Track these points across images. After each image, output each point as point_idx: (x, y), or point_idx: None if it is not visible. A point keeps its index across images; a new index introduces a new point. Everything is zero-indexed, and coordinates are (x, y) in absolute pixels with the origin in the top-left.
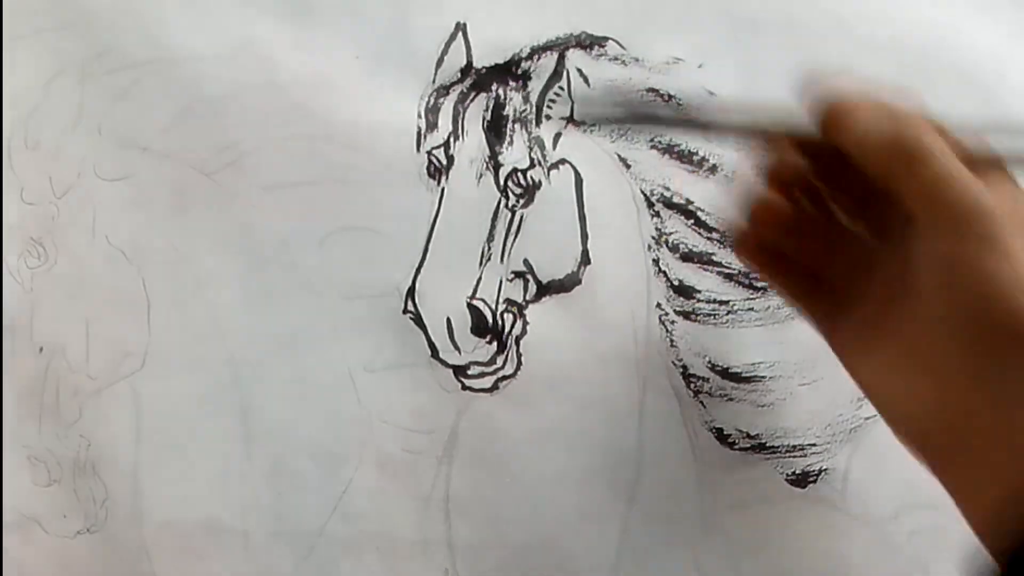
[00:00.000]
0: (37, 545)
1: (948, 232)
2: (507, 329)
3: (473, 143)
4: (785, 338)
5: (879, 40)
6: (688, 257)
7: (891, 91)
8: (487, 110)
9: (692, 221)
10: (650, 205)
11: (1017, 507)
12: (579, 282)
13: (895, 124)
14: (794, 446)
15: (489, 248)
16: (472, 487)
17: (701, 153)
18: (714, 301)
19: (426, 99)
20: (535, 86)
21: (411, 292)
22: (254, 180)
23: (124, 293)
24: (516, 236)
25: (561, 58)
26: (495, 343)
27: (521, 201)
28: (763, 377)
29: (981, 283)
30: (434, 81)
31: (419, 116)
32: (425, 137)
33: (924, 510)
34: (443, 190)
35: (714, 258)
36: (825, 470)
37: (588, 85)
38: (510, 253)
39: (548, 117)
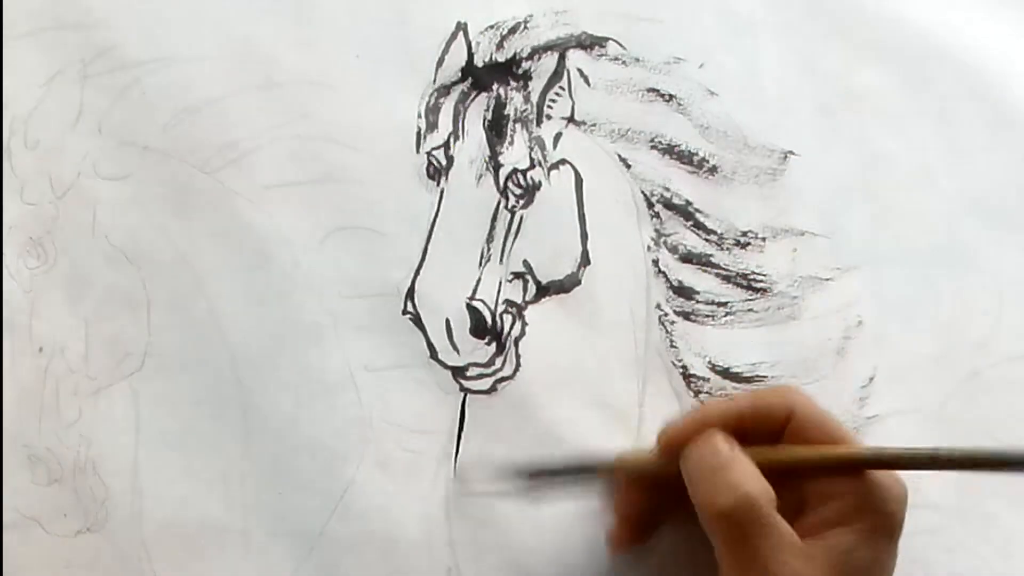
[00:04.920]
0: (37, 545)
1: None
2: (506, 330)
3: (473, 143)
4: (785, 338)
5: (879, 40)
6: (687, 258)
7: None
8: (488, 110)
9: (691, 222)
10: (650, 206)
11: None
12: (579, 283)
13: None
14: None
15: (488, 249)
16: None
17: (702, 154)
18: (713, 302)
19: (426, 99)
20: (536, 86)
21: (410, 293)
22: (254, 180)
23: (124, 293)
24: (516, 237)
25: (562, 58)
26: (494, 344)
27: (521, 202)
28: (764, 377)
29: None
30: (434, 81)
31: (419, 116)
32: (425, 137)
33: (924, 510)
34: (443, 190)
35: (713, 259)
36: None
37: (588, 85)
38: (510, 254)
39: (549, 117)
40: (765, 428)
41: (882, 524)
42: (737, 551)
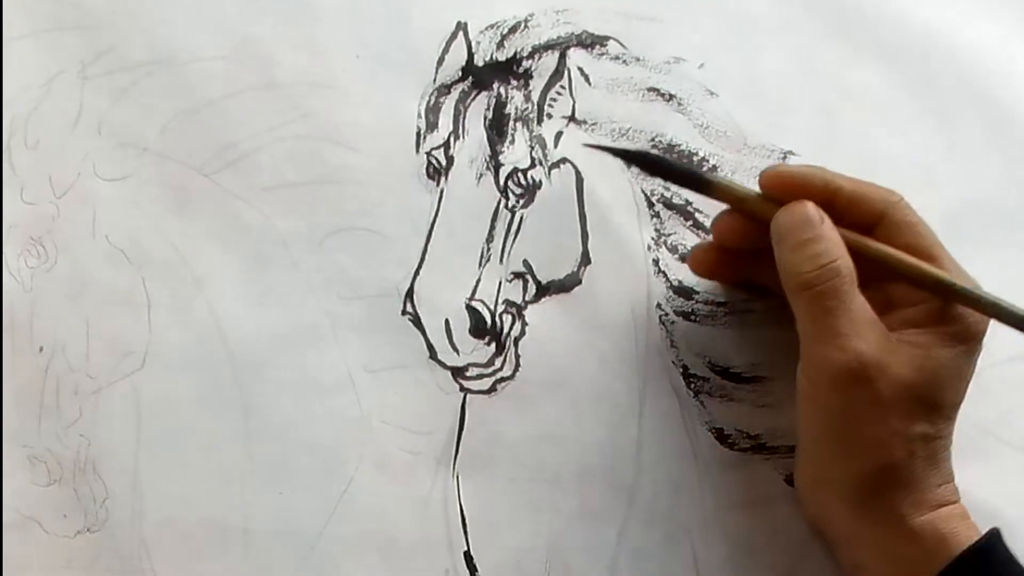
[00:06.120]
0: (37, 545)
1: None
2: (506, 330)
3: (474, 143)
4: (785, 338)
5: (879, 41)
6: (687, 258)
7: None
8: (488, 109)
9: (691, 222)
10: (650, 205)
11: None
12: (579, 282)
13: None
14: (794, 446)
15: (488, 249)
16: (471, 488)
17: (702, 153)
18: (713, 302)
19: (427, 98)
20: (536, 85)
21: (410, 293)
22: (254, 180)
23: (124, 293)
24: (516, 236)
25: (562, 57)
26: (494, 344)
27: (521, 201)
28: (763, 377)
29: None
30: (435, 80)
31: (419, 116)
32: (425, 137)
33: None
34: (443, 190)
35: None
36: None
37: (589, 84)
38: (509, 253)
39: (549, 116)
40: (857, 214)
41: (963, 332)
42: (818, 322)
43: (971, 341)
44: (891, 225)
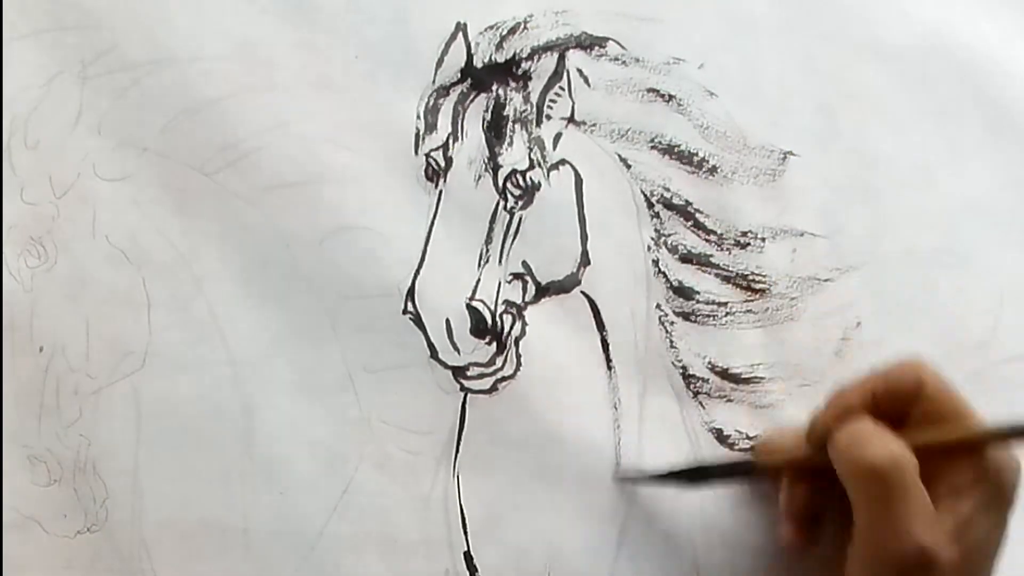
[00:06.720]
0: (37, 545)
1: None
2: (507, 330)
3: (472, 144)
4: (784, 339)
5: (879, 41)
6: (687, 258)
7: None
8: (487, 110)
9: (691, 223)
10: (650, 206)
11: None
12: (579, 283)
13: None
14: None
15: (487, 250)
16: (471, 488)
17: (701, 154)
18: (713, 303)
19: (426, 99)
20: (535, 86)
21: (411, 292)
22: (254, 180)
23: (124, 293)
24: (515, 238)
25: (561, 58)
26: (494, 344)
27: (520, 203)
28: (762, 378)
29: None
30: (434, 81)
31: (418, 117)
32: (423, 139)
33: None
34: (441, 192)
35: (712, 260)
36: None
37: (588, 85)
38: (509, 255)
39: (548, 117)
40: (897, 404)
41: (997, 495)
42: (877, 510)
43: (1006, 502)
44: (928, 398)
